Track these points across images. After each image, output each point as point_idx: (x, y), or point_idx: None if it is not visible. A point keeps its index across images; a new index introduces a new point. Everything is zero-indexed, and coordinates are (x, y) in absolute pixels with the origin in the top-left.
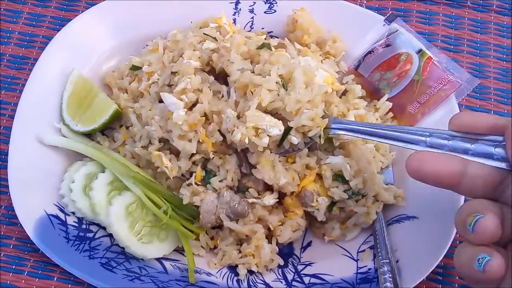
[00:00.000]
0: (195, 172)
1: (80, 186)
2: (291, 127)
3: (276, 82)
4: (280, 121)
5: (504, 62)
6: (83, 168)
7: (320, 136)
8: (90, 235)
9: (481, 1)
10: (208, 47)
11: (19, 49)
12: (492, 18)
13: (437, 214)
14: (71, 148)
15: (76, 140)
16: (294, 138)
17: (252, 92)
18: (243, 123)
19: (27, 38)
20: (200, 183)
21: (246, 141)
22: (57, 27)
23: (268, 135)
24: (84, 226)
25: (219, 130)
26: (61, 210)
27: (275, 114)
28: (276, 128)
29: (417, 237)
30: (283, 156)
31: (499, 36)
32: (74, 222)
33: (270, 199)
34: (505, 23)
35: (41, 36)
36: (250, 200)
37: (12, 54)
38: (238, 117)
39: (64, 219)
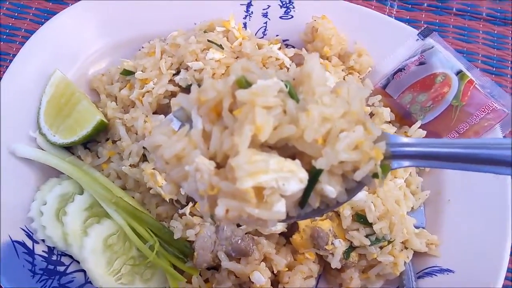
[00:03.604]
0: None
1: (53, 210)
2: (321, 170)
3: (280, 91)
4: (297, 160)
5: None
6: (57, 188)
7: (375, 176)
8: (61, 268)
9: None
10: (212, 57)
11: None
12: None
13: (477, 269)
14: (46, 163)
15: (53, 154)
16: (329, 188)
17: (233, 115)
18: (231, 184)
19: (7, 31)
20: (197, 213)
21: (239, 217)
22: (42, 20)
23: (282, 196)
24: (54, 258)
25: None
26: (29, 237)
27: (282, 148)
28: (293, 178)
29: None
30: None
31: None
32: (44, 251)
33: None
34: None
35: (23, 30)
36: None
37: None
38: (218, 165)
39: (31, 247)
